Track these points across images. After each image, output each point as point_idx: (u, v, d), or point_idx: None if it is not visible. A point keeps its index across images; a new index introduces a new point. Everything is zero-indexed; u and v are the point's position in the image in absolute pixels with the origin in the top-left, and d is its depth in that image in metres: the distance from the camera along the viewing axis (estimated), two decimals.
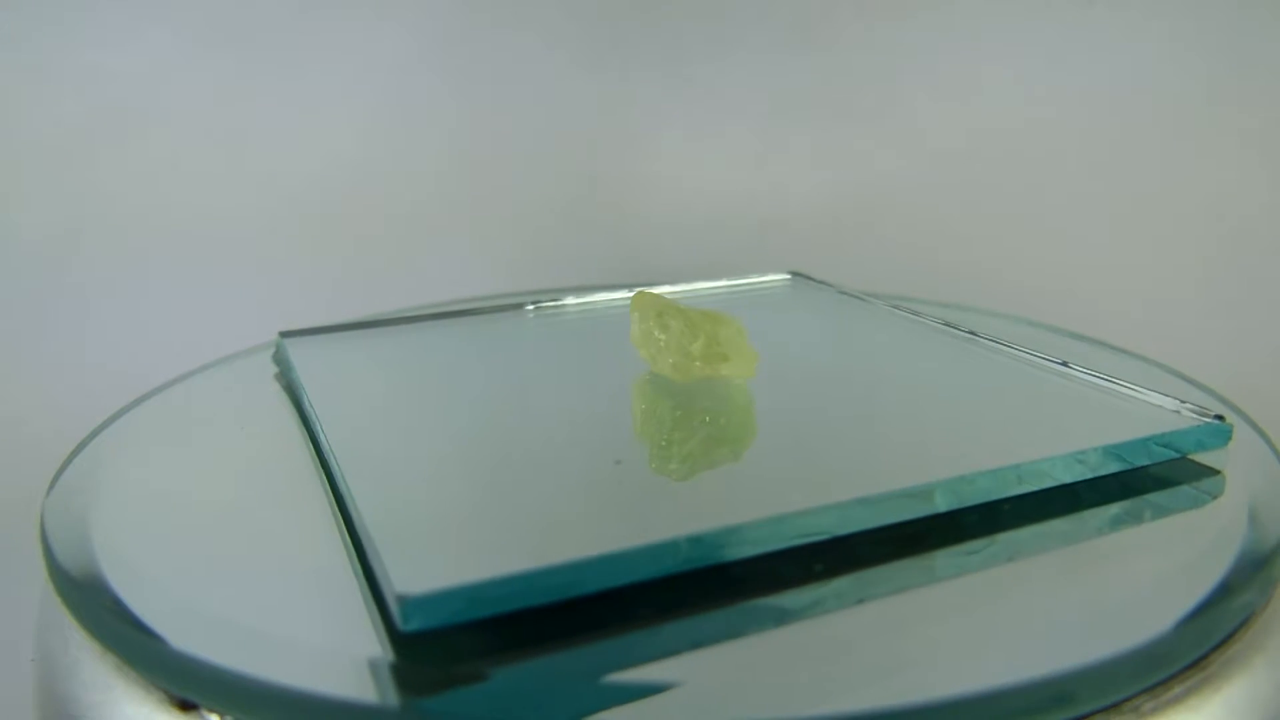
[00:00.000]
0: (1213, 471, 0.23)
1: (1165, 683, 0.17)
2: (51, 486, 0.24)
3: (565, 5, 0.42)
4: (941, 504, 0.20)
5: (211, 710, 0.17)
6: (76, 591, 0.19)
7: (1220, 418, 0.23)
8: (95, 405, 0.29)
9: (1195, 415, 0.23)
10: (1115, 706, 0.16)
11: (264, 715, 0.16)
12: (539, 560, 0.17)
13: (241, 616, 0.18)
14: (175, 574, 0.20)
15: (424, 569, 0.17)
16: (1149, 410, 0.24)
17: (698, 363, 0.26)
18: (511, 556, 0.18)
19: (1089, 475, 0.21)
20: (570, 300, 0.35)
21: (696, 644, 0.17)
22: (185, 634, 0.18)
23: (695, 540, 0.18)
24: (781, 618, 0.18)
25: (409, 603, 0.17)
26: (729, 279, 0.37)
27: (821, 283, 0.36)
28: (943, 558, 0.20)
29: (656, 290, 0.33)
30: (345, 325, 0.33)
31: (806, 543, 0.19)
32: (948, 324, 0.30)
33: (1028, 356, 0.28)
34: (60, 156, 0.43)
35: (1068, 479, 0.21)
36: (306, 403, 0.26)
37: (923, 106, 0.42)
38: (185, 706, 0.17)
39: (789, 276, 0.37)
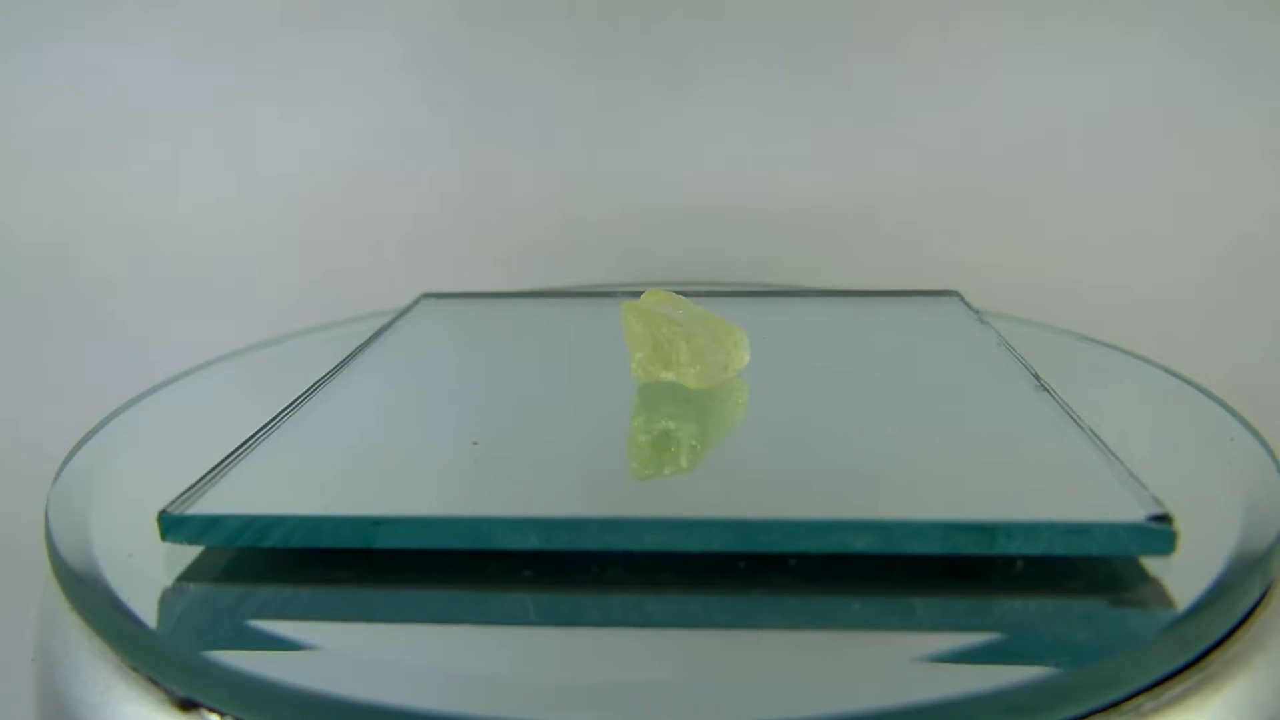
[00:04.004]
0: (1146, 577, 0.19)
1: (1165, 682, 0.17)
2: (54, 482, 0.24)
3: (565, 6, 0.42)
4: (728, 546, 0.19)
5: (211, 710, 0.17)
6: (79, 586, 0.20)
7: (1164, 518, 0.18)
8: (95, 405, 0.29)
9: (1139, 514, 0.19)
10: (1115, 706, 0.16)
11: (263, 714, 0.16)
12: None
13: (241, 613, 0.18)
14: (176, 569, 0.20)
15: (218, 503, 0.20)
16: (1114, 496, 0.20)
17: (649, 366, 0.26)
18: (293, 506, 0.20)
19: (965, 551, 0.19)
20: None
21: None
22: (184, 630, 0.18)
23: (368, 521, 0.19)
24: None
25: (165, 519, 0.19)
26: (888, 292, 0.36)
27: (968, 306, 0.34)
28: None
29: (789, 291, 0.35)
30: (488, 294, 0.37)
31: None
32: (1023, 362, 0.27)
33: (1062, 414, 0.24)
34: (60, 157, 0.43)
35: (945, 550, 0.19)
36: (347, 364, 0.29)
37: (923, 106, 0.42)
38: (185, 706, 0.17)
39: (946, 295, 0.35)
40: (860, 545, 0.18)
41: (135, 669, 0.18)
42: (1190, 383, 0.28)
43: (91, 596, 0.19)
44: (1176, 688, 0.17)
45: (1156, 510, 0.19)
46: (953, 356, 0.30)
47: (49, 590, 0.21)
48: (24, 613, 0.23)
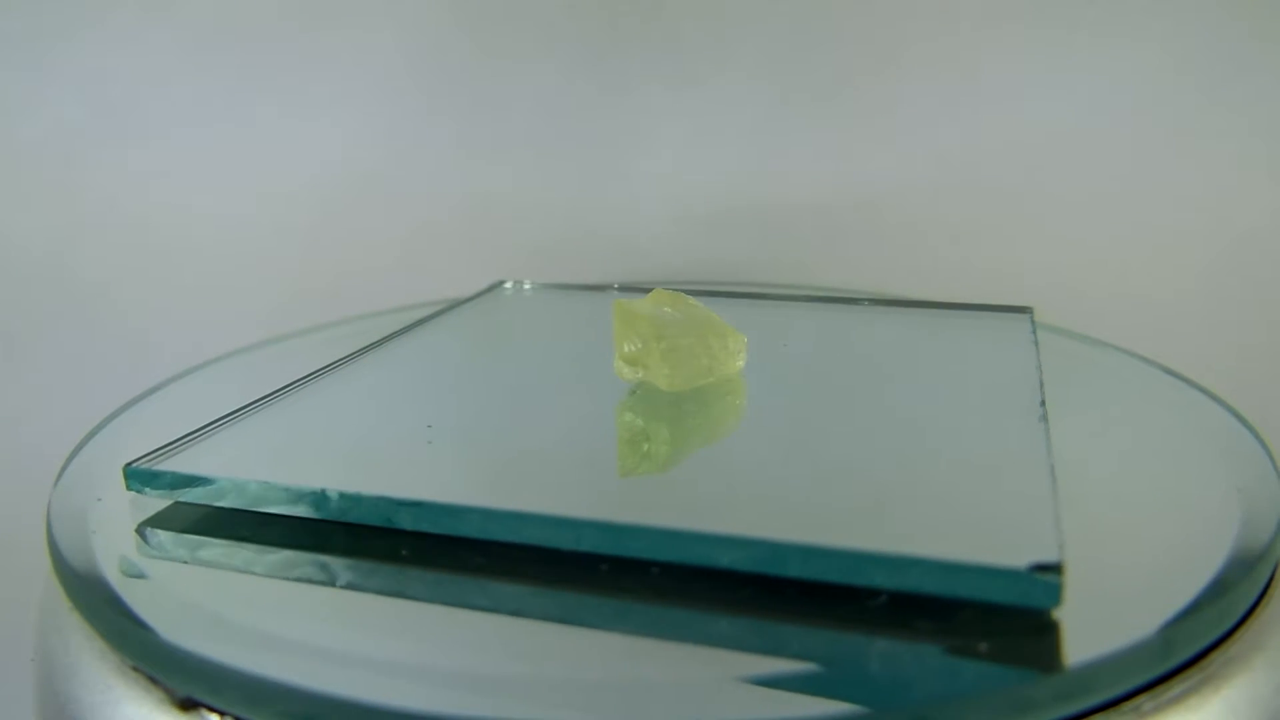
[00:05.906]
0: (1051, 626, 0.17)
1: (1165, 681, 0.17)
2: (56, 482, 0.24)
3: (565, 5, 0.42)
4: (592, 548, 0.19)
5: (211, 710, 0.17)
6: (79, 585, 0.20)
7: (1051, 568, 0.17)
8: (95, 405, 0.29)
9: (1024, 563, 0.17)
10: (1115, 705, 0.16)
11: (264, 713, 0.16)
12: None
13: (242, 614, 0.18)
14: (177, 570, 0.20)
15: (187, 462, 0.22)
16: (1025, 539, 0.18)
17: (627, 366, 0.26)
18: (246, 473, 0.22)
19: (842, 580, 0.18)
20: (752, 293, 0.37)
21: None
22: (184, 630, 0.18)
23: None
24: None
25: (129, 470, 0.22)
26: (957, 305, 0.35)
27: (1031, 325, 0.32)
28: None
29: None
30: (565, 285, 0.38)
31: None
32: (1042, 390, 0.26)
33: (1043, 448, 0.22)
34: (60, 157, 0.43)
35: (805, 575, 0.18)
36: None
37: (923, 106, 0.42)
38: (185, 706, 0.17)
39: (1018, 312, 0.34)
40: (725, 560, 0.18)
41: (135, 669, 0.18)
42: (1189, 381, 0.28)
43: (91, 596, 0.19)
44: (1176, 687, 0.17)
45: (1046, 559, 0.17)
46: (971, 377, 0.29)
47: (49, 590, 0.21)
48: (24, 613, 0.23)
